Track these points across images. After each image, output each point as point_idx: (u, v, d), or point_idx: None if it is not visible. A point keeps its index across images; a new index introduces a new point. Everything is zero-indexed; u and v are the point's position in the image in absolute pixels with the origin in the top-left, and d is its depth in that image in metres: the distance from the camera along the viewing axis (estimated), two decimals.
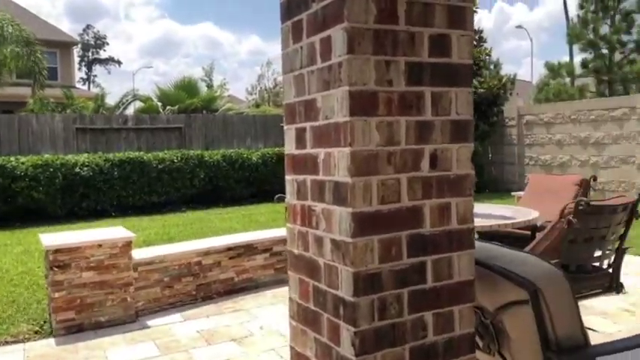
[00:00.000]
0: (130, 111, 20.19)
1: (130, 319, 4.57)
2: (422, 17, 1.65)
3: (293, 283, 1.97)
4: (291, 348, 2.00)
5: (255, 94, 35.84)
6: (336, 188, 1.64)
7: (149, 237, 8.00)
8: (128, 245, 4.58)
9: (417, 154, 1.67)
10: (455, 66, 1.72)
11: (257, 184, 12.75)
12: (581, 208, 3.34)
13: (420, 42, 1.65)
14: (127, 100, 19.95)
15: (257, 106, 27.12)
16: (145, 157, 11.57)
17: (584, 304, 3.77)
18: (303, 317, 1.91)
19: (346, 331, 1.64)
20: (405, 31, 1.63)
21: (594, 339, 1.94)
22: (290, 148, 1.93)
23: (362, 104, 1.58)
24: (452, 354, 1.76)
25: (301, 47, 1.80)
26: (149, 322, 4.59)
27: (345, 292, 1.63)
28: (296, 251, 1.94)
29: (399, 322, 1.67)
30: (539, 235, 3.74)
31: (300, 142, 1.86)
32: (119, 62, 54.29)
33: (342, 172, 1.61)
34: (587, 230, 3.44)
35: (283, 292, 5.21)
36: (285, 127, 1.96)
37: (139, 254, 4.89)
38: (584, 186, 5.11)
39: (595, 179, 5.28)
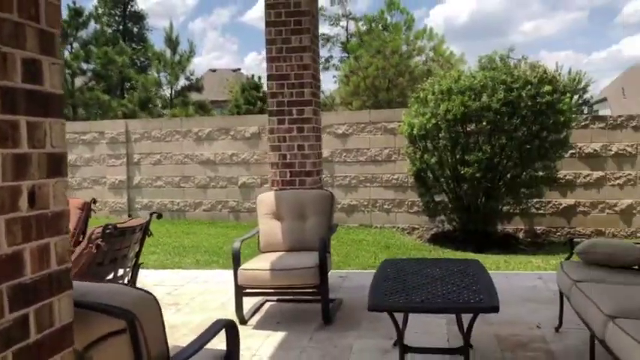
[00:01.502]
0: None
1: None
2: (14, 38, 1.45)
3: None
4: None
5: None
6: None
7: None
8: None
9: (15, 192, 1.46)
10: (48, 95, 1.59)
11: None
12: (108, 231, 3.49)
13: (13, 65, 1.45)
14: None
15: None
16: None
17: None
18: None
19: None
20: None
21: None
22: None
23: None
24: None
25: None
26: None
27: None
28: None
29: None
30: None
31: None
32: None
33: None
34: (114, 251, 3.62)
35: None
36: None
37: None
38: (87, 209, 5.26)
39: (95, 202, 5.49)
